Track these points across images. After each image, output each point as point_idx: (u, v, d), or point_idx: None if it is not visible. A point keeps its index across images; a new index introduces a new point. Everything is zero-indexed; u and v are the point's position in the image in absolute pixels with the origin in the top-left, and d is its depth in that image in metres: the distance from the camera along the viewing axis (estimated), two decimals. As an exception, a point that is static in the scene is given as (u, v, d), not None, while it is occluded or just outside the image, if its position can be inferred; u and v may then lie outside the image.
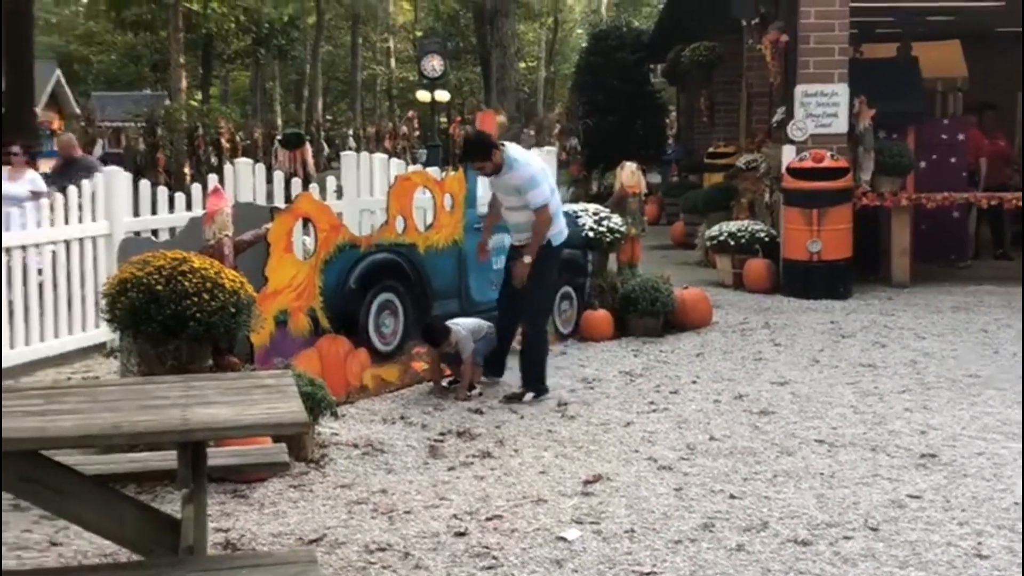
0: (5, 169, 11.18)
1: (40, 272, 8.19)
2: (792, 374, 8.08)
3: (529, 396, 7.35)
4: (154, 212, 9.18)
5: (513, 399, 7.32)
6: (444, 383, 7.60)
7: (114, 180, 8.88)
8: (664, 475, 5.81)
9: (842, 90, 11.70)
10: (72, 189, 8.68)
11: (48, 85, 34.90)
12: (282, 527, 5.07)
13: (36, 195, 10.20)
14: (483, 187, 8.66)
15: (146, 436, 3.62)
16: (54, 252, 8.43)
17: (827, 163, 11.40)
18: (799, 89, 11.74)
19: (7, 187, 10.65)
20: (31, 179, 11.00)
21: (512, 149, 7.36)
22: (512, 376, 7.79)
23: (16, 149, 11.39)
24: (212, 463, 4.20)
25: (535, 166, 7.34)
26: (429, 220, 8.29)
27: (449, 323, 7.52)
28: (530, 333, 7.55)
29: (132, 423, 3.57)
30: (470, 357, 7.48)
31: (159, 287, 5.68)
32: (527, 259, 7.31)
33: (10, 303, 7.97)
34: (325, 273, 7.15)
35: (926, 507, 5.30)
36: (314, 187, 9.39)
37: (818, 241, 11.33)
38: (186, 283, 5.71)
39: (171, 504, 5.06)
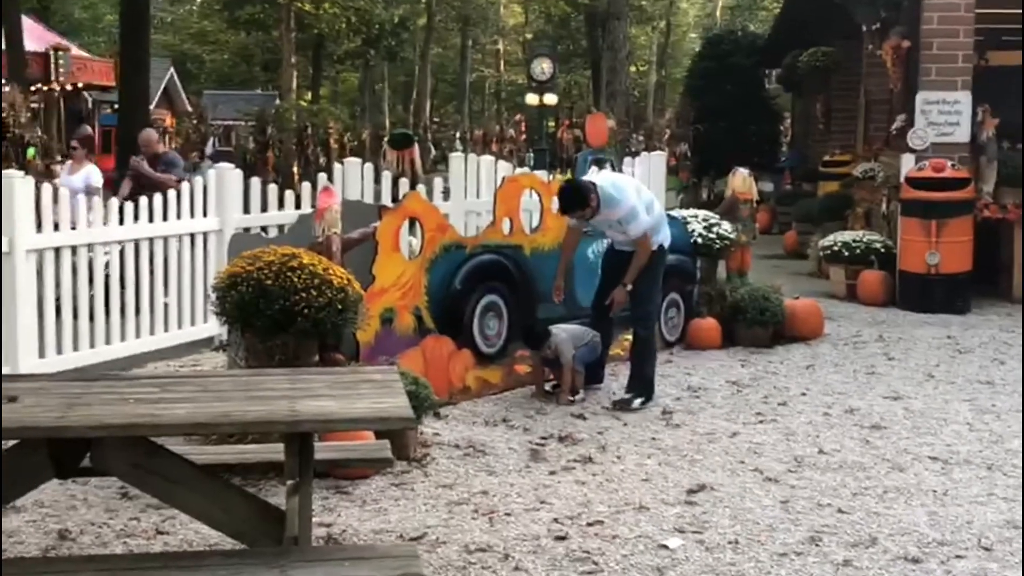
0: (68, 163, 11.63)
1: (107, 266, 8.34)
2: (906, 389, 7.97)
3: (637, 402, 7.36)
4: (264, 209, 9.39)
5: (621, 405, 7.33)
6: (547, 387, 7.64)
7: (226, 176, 9.10)
8: (770, 487, 5.78)
9: (965, 98, 11.49)
10: (185, 185, 8.92)
11: (162, 83, 35.83)
12: (383, 524, 5.16)
13: (91, 190, 10.53)
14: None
15: (255, 425, 3.73)
16: (166, 246, 8.66)
17: (948, 173, 11.20)
18: (920, 96, 11.55)
19: (66, 179, 11.05)
20: (87, 174, 11.36)
21: (606, 184, 7.37)
22: (616, 383, 7.81)
23: (75, 144, 11.84)
24: (316, 457, 4.30)
25: (630, 194, 7.34)
26: (536, 222, 8.34)
27: (552, 328, 7.56)
28: (640, 337, 7.57)
29: (242, 412, 3.69)
30: (570, 362, 7.52)
31: (268, 282, 5.81)
32: (628, 286, 7.38)
33: (120, 297, 8.22)
34: (431, 273, 7.25)
35: (1044, 529, 5.20)
36: (421, 187, 9.50)
37: (936, 253, 11.13)
38: (295, 279, 5.84)
39: (275, 497, 5.16)
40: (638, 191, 7.52)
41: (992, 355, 9.15)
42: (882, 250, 11.88)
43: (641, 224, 7.32)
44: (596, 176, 7.71)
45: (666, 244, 7.64)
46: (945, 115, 11.51)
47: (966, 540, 5.04)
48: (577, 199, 7.28)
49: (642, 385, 7.48)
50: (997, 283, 12.01)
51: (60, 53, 20.01)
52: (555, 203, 8.20)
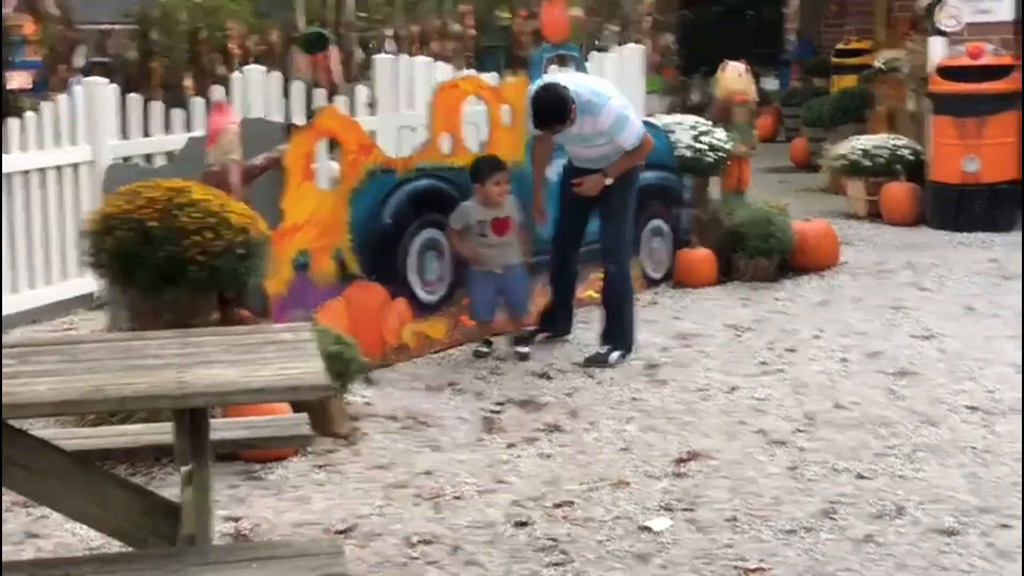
0: None
1: None
2: (940, 326, 8.05)
3: (615, 356, 7.39)
4: (147, 133, 9.29)
5: (595, 361, 7.36)
6: (481, 347, 7.64)
7: (98, 94, 8.99)
8: (776, 451, 5.84)
9: (1007, -33, 11.52)
10: (45, 106, 8.81)
11: (17, -20, 35.25)
12: (305, 515, 5.18)
13: None
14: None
15: (134, 401, 3.70)
16: (26, 183, 8.57)
17: (987, 59, 11.24)
18: (952, -34, 11.56)
19: None
20: None
21: (581, 88, 7.33)
22: (590, 334, 7.85)
23: None
24: (219, 436, 4.28)
25: (613, 96, 7.36)
26: (483, 137, 8.30)
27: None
28: (612, 273, 7.58)
29: (118, 387, 3.66)
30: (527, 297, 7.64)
31: (152, 224, 5.78)
32: (608, 179, 7.38)
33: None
34: (354, 205, 7.22)
35: (1105, 489, 5.29)
36: (341, 100, 9.44)
37: (976, 159, 11.20)
38: (185, 218, 5.81)
39: (171, 488, 5.15)
40: (617, 92, 7.55)
41: (1044, 280, 9.25)
42: (910, 157, 11.92)
43: (634, 127, 7.36)
44: (561, 78, 7.64)
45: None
46: (983, -12, 11.53)
47: (1012, 506, 5.12)
48: (557, 111, 7.21)
49: (619, 335, 7.52)
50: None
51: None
52: (506, 112, 8.19)
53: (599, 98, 7.29)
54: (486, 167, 7.52)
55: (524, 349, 7.57)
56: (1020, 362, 7.17)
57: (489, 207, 7.48)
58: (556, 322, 7.88)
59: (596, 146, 7.45)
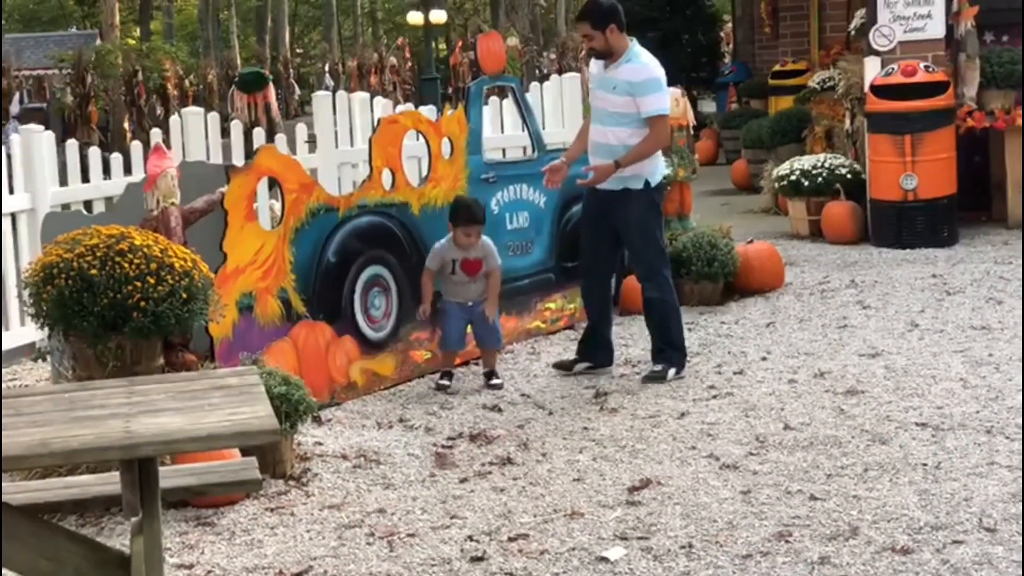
0: None
1: None
2: (886, 343, 8.10)
3: (672, 372, 7.48)
4: (85, 179, 9.24)
5: (654, 379, 7.45)
6: (441, 380, 7.63)
7: (34, 141, 8.93)
8: (728, 476, 5.85)
9: (937, -15, 11.65)
10: (-19, 154, 8.75)
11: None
12: (258, 559, 5.14)
13: None
14: (490, 127, 8.70)
15: (82, 454, 3.67)
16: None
17: (921, 77, 11.36)
18: (883, -14, 11.69)
19: None
20: None
21: (638, 48, 7.49)
22: (535, 366, 7.83)
23: None
24: (167, 484, 4.25)
25: (660, 74, 7.45)
26: (424, 172, 8.31)
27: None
28: (651, 299, 7.62)
29: (64, 439, 3.63)
30: (497, 264, 7.70)
31: (93, 272, 5.74)
32: (620, 170, 7.36)
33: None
34: (297, 244, 7.19)
35: (1055, 500, 5.33)
36: (280, 138, 9.42)
37: (914, 175, 11.30)
38: (126, 265, 5.77)
39: (121, 537, 5.13)
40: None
41: (987, 294, 9.35)
42: (849, 176, 12.03)
43: (661, 102, 7.41)
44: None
45: (653, 181, 7.59)
46: (914, 6, 11.66)
47: (964, 521, 5.14)
48: (597, 9, 7.42)
49: (671, 353, 7.57)
50: (988, 206, 12.25)
51: None
52: (446, 145, 8.19)
53: (644, 60, 7.45)
54: (461, 215, 7.59)
55: (497, 381, 7.59)
56: (965, 377, 7.23)
57: (460, 248, 7.52)
58: (596, 353, 7.84)
59: (614, 121, 7.44)
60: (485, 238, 7.63)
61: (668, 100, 7.50)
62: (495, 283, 7.67)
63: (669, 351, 7.60)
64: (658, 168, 7.68)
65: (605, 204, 7.54)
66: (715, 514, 5.37)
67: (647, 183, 7.49)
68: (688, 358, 7.90)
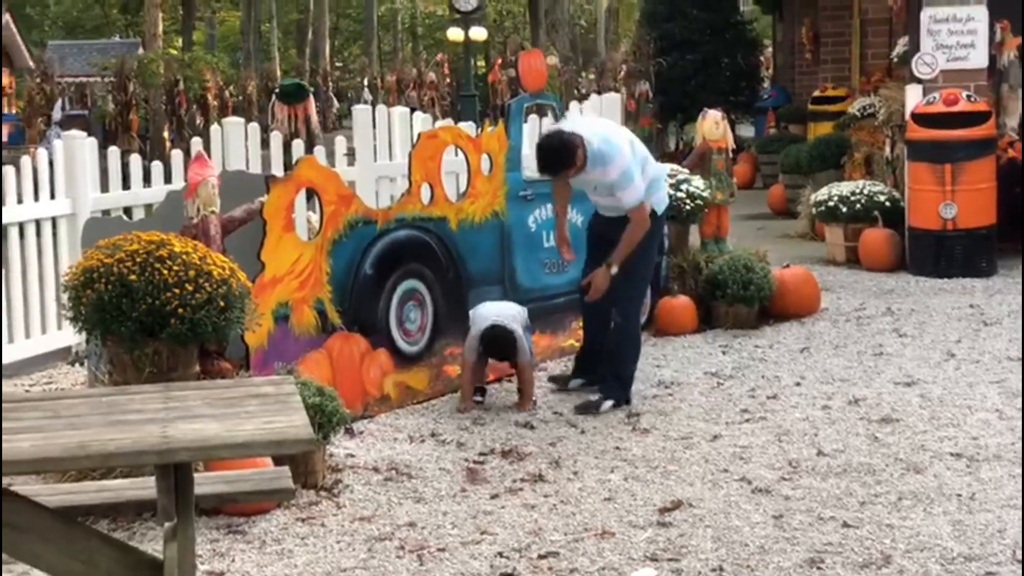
0: None
1: None
2: (921, 372, 8.06)
3: (607, 404, 7.38)
4: (126, 186, 9.30)
5: (586, 410, 7.36)
6: (476, 396, 7.62)
7: (77, 147, 8.99)
8: (760, 500, 5.83)
9: (980, 14, 11.60)
10: (25, 160, 8.81)
11: (-8, 33, 35.32)
12: (287, 569, 5.15)
13: None
14: (528, 144, 8.71)
15: (118, 458, 3.68)
16: (4, 237, 8.56)
17: (962, 106, 11.32)
18: (926, 14, 11.65)
19: None
20: None
21: (594, 136, 7.29)
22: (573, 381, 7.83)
23: None
24: (201, 491, 4.26)
25: (624, 150, 7.31)
26: (463, 187, 8.33)
27: (491, 312, 7.52)
28: (617, 324, 7.58)
29: (101, 442, 3.65)
30: (532, 359, 7.56)
31: (132, 277, 5.77)
32: (613, 268, 7.35)
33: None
34: (334, 256, 7.22)
35: (1091, 534, 5.29)
36: (320, 150, 9.45)
37: (953, 204, 11.26)
38: (165, 272, 5.80)
39: (153, 542, 5.14)
40: (631, 144, 7.49)
41: (1024, 324, 9.29)
42: (887, 204, 11.99)
43: (636, 190, 7.29)
44: (580, 124, 7.59)
45: (660, 209, 7.63)
46: (957, 35, 11.61)
47: (998, 553, 5.11)
48: (561, 157, 7.23)
49: (617, 385, 7.51)
50: (1027, 238, 12.18)
51: None
52: (485, 162, 8.21)
53: (610, 147, 7.26)
54: (494, 353, 7.57)
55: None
56: (1001, 408, 7.19)
57: None
58: (592, 370, 7.80)
59: (605, 195, 7.45)
60: (520, 334, 7.52)
61: (639, 184, 7.30)
62: (528, 379, 7.59)
63: (612, 382, 7.52)
64: (663, 199, 7.69)
65: (609, 226, 7.51)
66: (746, 538, 5.36)
67: (652, 212, 7.49)
68: (721, 381, 7.90)
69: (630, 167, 7.28)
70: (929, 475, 6.09)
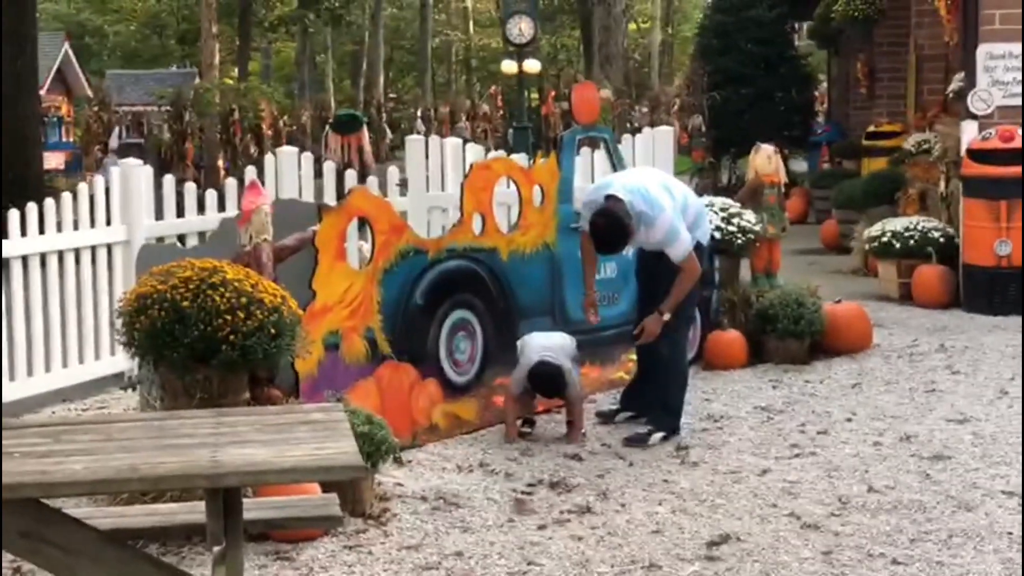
0: None
1: None
2: (974, 409, 7.99)
3: (656, 437, 7.37)
4: (180, 214, 9.37)
5: (635, 441, 7.36)
6: (524, 427, 7.62)
7: (133, 175, 9.08)
8: (810, 535, 5.80)
9: (1037, 50, 11.57)
10: (82, 187, 8.91)
11: (54, 62, 35.78)
12: (335, 597, 5.16)
13: None
14: (580, 177, 8.74)
15: (169, 481, 3.72)
16: (61, 263, 8.65)
17: (1019, 142, 11.25)
18: (982, 50, 11.62)
19: None
20: None
21: (635, 199, 7.27)
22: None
23: None
24: (249, 516, 4.30)
25: (665, 205, 7.31)
26: (514, 218, 8.36)
27: (538, 343, 7.53)
28: (663, 357, 7.56)
29: (152, 465, 3.69)
30: (580, 392, 7.56)
31: (185, 304, 5.82)
32: (666, 316, 7.35)
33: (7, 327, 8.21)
34: (385, 285, 7.26)
35: None
36: (372, 180, 9.50)
37: (1008, 242, 11.18)
38: (217, 299, 5.84)
39: (201, 567, 5.16)
40: (668, 191, 7.48)
41: (1079, 364, 9.20)
42: (942, 240, 11.92)
43: (684, 243, 7.31)
44: (617, 181, 7.55)
45: (705, 241, 7.67)
46: (1013, 72, 11.57)
47: (1049, 592, 5.08)
48: (618, 238, 7.29)
49: (666, 417, 7.50)
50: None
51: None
52: (537, 193, 8.24)
53: (652, 209, 7.25)
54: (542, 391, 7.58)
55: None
56: (1055, 446, 7.13)
57: None
58: (638, 404, 7.81)
59: (654, 246, 7.43)
60: (568, 368, 7.49)
61: (685, 237, 7.32)
62: (577, 412, 7.57)
63: (661, 414, 7.52)
64: (706, 232, 7.73)
65: (655, 262, 7.51)
66: (795, 573, 5.34)
67: (698, 243, 7.50)
68: (771, 416, 7.89)
69: (674, 223, 7.30)
70: (980, 513, 6.04)
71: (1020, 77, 11.55)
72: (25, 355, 8.35)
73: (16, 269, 8.35)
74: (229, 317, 5.82)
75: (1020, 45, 11.52)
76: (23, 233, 8.39)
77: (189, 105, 27.06)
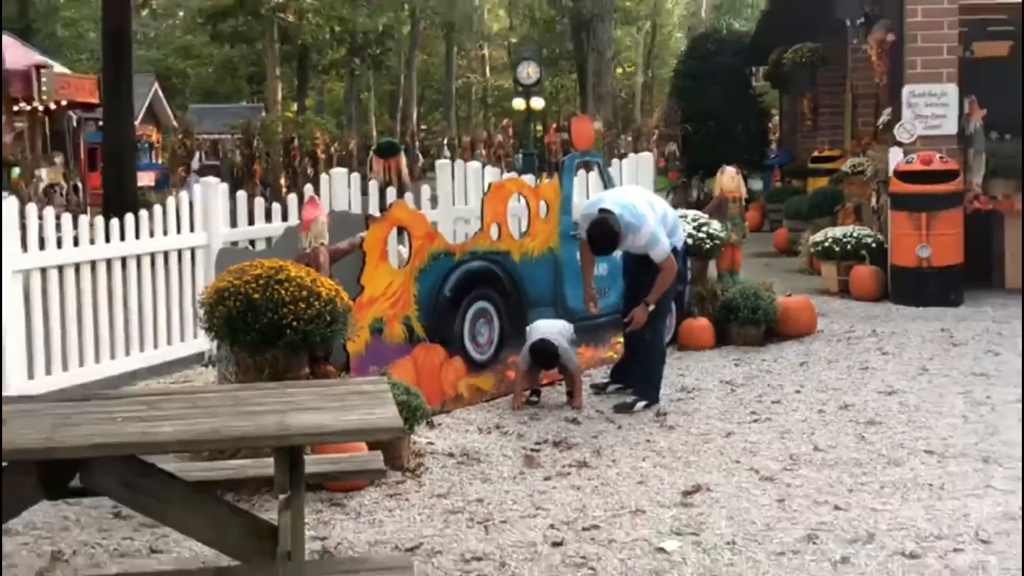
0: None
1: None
2: (900, 383, 7.97)
3: (640, 405, 7.35)
4: (251, 222, 9.38)
5: (623, 409, 7.32)
6: (531, 396, 7.59)
7: (211, 191, 9.09)
8: (766, 486, 5.78)
9: (951, 90, 11.51)
10: (170, 201, 8.91)
11: (146, 99, 35.78)
12: (378, 535, 5.16)
13: None
14: (578, 194, 8.71)
15: (244, 440, 3.72)
16: (153, 263, 8.66)
17: (936, 165, 11.22)
18: (907, 90, 11.58)
19: None
20: None
21: (623, 211, 7.27)
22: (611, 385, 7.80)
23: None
24: (308, 471, 4.29)
25: (647, 216, 7.30)
26: (524, 227, 8.34)
27: (543, 328, 7.52)
28: (646, 339, 7.53)
29: (231, 428, 3.68)
30: (578, 368, 7.53)
31: (256, 296, 5.82)
32: (650, 307, 7.35)
33: (109, 315, 8.22)
34: (420, 282, 7.25)
35: (1041, 520, 5.21)
36: (409, 196, 9.48)
37: (928, 247, 11.15)
38: (282, 292, 5.84)
39: (268, 512, 5.15)
40: (649, 204, 7.47)
41: (986, 347, 9.16)
42: (873, 245, 11.89)
43: (663, 247, 7.30)
44: (608, 198, 7.54)
45: (680, 245, 7.64)
46: (932, 108, 11.53)
47: (963, 533, 5.05)
48: (609, 242, 7.30)
49: (648, 389, 7.48)
50: (989, 275, 12.02)
51: (43, 71, 19.92)
52: (543, 207, 8.22)
53: (637, 220, 7.26)
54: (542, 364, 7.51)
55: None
56: (966, 414, 7.10)
57: None
58: (624, 378, 7.79)
59: (640, 251, 7.42)
60: (564, 347, 7.45)
61: (664, 242, 7.31)
62: (576, 383, 7.52)
63: (644, 386, 7.48)
64: (681, 238, 7.69)
65: (639, 263, 7.50)
66: (754, 517, 5.31)
67: (675, 247, 7.47)
68: (734, 388, 7.87)
69: (655, 231, 7.29)
70: (906, 468, 6.02)
71: (938, 112, 11.52)
72: (123, 337, 8.35)
73: (116, 268, 8.35)
74: (292, 307, 5.82)
75: (938, 86, 11.49)
76: (122, 238, 8.39)
77: (257, 134, 27.03)
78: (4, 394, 6.95)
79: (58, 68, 22.83)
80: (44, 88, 19.78)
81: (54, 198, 18.75)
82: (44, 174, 19.29)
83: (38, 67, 20.26)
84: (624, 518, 5.33)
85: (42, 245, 7.79)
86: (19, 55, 21.34)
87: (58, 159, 20.73)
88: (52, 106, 20.70)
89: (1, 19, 18.04)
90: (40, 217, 7.81)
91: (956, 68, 11.54)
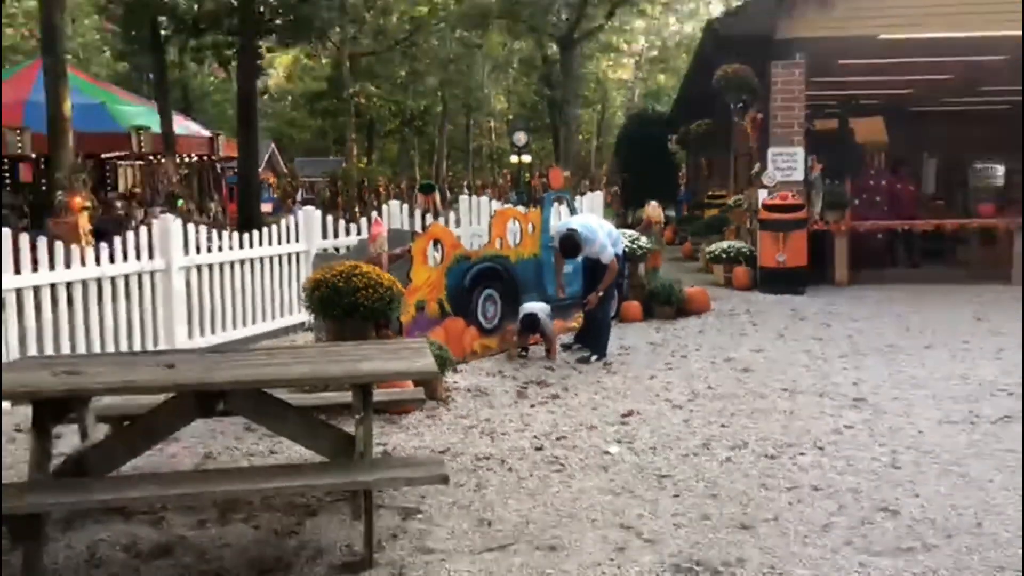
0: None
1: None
2: (765, 344, 7.97)
3: (593, 358, 7.33)
4: (336, 236, 9.35)
5: (582, 361, 7.31)
6: (521, 352, 7.57)
7: (310, 215, 9.06)
8: (677, 411, 5.81)
9: (800, 151, 11.49)
10: (282, 222, 8.89)
11: (266, 153, 35.66)
12: (420, 443, 5.17)
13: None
14: (554, 219, 8.68)
15: (333, 379, 3.72)
16: (272, 262, 8.61)
17: (790, 201, 11.22)
18: (770, 151, 11.56)
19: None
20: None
21: (584, 229, 7.23)
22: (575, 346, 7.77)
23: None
24: (375, 399, 4.28)
25: (599, 233, 7.26)
26: (518, 240, 8.32)
27: (529, 306, 7.50)
28: (596, 317, 7.49)
29: (324, 370, 3.69)
30: (552, 333, 7.52)
31: (340, 284, 5.83)
32: (600, 293, 7.30)
33: (243, 297, 8.19)
34: (448, 276, 7.23)
35: (857, 434, 5.23)
36: (441, 219, 9.49)
37: (783, 254, 11.14)
38: (357, 282, 5.85)
39: (348, 426, 5.14)
40: (600, 225, 7.43)
41: (821, 320, 9.17)
42: (747, 253, 11.86)
43: (609, 253, 7.27)
44: (574, 221, 7.48)
45: (620, 252, 7.58)
46: (787, 163, 11.51)
47: (806, 443, 5.08)
48: (575, 249, 7.26)
49: (599, 348, 7.44)
50: (824, 273, 12.03)
51: (219, 138, 20.11)
52: (530, 227, 8.19)
53: (592, 235, 7.23)
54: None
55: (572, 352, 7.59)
56: (808, 364, 7.10)
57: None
58: (585, 340, 7.71)
59: (594, 256, 7.38)
60: (543, 318, 7.33)
61: (610, 250, 7.25)
62: (551, 344, 7.38)
63: (596, 346, 7.41)
64: (620, 248, 7.60)
65: (593, 264, 7.44)
66: (668, 431, 5.33)
67: (617, 254, 7.43)
68: (655, 347, 7.85)
69: (604, 243, 7.26)
70: (769, 401, 6.03)
71: (791, 165, 11.51)
72: (251, 311, 8.33)
73: (247, 266, 8.32)
74: (364, 292, 5.82)
75: (791, 148, 11.47)
76: (251, 245, 8.37)
77: (340, 178, 26.94)
78: (173, 348, 6.94)
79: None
80: (217, 148, 19.97)
81: (213, 220, 18.66)
82: (213, 205, 19.33)
83: (215, 135, 20.36)
84: (582, 432, 5.35)
85: (197, 250, 7.77)
86: (193, 126, 21.46)
87: (216, 195, 20.75)
88: (215, 159, 20.64)
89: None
90: (197, 232, 7.79)
91: (803, 137, 11.52)
